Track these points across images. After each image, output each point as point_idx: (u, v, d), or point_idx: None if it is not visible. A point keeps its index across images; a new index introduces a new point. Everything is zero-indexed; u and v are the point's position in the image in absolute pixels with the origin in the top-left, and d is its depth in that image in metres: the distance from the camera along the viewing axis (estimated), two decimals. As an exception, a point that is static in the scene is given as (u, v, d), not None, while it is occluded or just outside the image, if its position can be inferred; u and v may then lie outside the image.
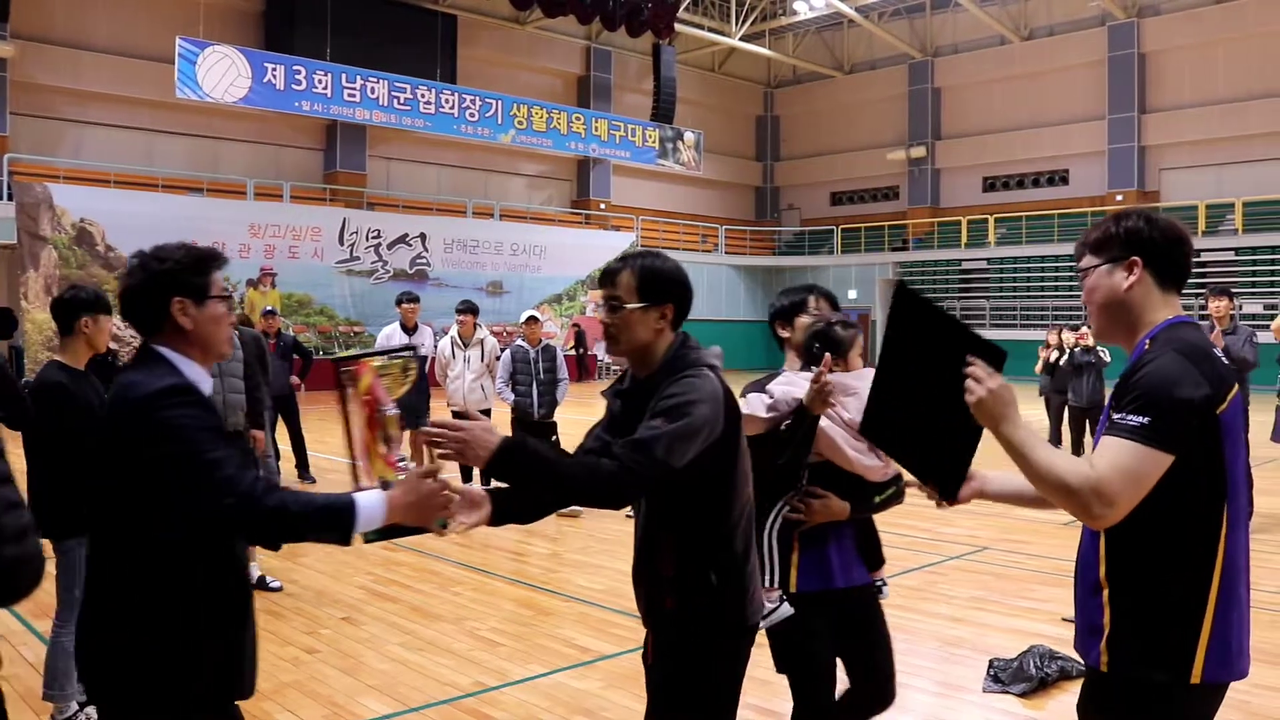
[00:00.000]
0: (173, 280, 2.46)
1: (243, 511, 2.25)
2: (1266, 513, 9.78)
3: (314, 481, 10.87)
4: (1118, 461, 2.11)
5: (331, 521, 2.31)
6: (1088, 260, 2.40)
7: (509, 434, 2.59)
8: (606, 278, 2.82)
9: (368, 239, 26.04)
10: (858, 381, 3.39)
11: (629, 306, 2.74)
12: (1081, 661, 2.40)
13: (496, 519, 2.77)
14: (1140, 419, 2.12)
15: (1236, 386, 2.21)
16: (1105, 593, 2.27)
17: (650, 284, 2.75)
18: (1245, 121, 29.90)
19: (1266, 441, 10.72)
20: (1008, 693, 4.86)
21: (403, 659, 5.42)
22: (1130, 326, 2.34)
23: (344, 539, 2.33)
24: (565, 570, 7.56)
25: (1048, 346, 13.07)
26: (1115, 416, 2.17)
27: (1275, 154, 29.56)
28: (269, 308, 10.92)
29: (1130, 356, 2.31)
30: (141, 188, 23.80)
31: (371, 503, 2.34)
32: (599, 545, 8.35)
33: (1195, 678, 2.19)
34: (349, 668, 5.28)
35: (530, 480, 2.55)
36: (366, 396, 2.59)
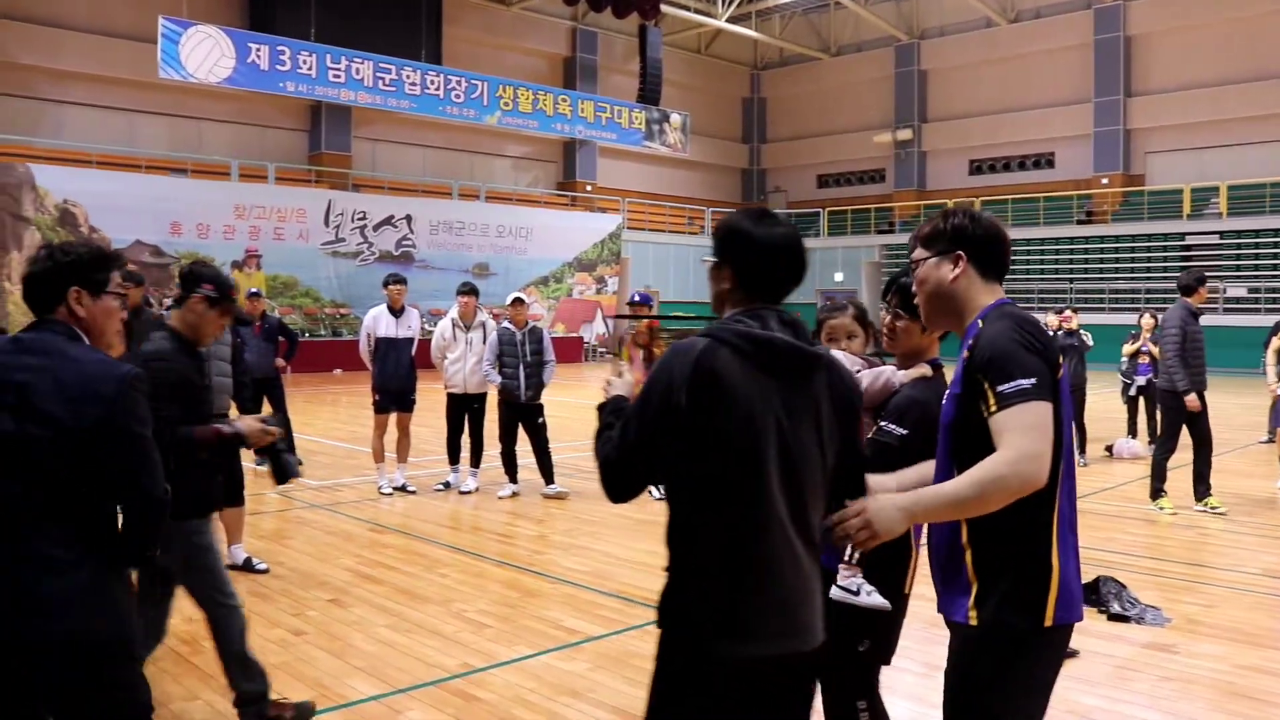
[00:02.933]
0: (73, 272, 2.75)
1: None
2: (1246, 495, 9.86)
3: (301, 463, 10.84)
4: (1023, 425, 2.34)
5: None
6: (919, 253, 2.68)
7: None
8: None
9: (353, 221, 25.94)
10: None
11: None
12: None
13: None
14: (1018, 383, 2.37)
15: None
16: (969, 554, 2.51)
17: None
18: (1228, 105, 30.00)
19: (1239, 426, 10.82)
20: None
21: (390, 640, 5.42)
22: (957, 313, 2.63)
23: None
24: (552, 552, 7.57)
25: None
26: (1001, 389, 2.37)
27: (1258, 137, 29.68)
28: (254, 289, 10.85)
29: (964, 340, 2.57)
30: (123, 168, 23.64)
31: None
32: (586, 527, 8.36)
33: (1048, 621, 2.44)
34: (336, 649, 5.28)
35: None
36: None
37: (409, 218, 26.99)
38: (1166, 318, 9.15)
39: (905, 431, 3.13)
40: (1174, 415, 9.00)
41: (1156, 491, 9.05)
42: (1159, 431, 9.20)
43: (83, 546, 2.58)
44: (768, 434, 2.31)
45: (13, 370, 2.59)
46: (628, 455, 2.34)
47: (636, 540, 7.87)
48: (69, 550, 2.56)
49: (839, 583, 3.08)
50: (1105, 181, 32.06)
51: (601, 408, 2.50)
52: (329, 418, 16.05)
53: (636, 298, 10.45)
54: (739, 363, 2.30)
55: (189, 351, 4.07)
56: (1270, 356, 10.19)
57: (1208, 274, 9.61)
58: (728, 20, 33.73)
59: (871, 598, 3.09)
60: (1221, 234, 28.28)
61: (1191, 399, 8.82)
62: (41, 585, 2.52)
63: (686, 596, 2.35)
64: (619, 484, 2.40)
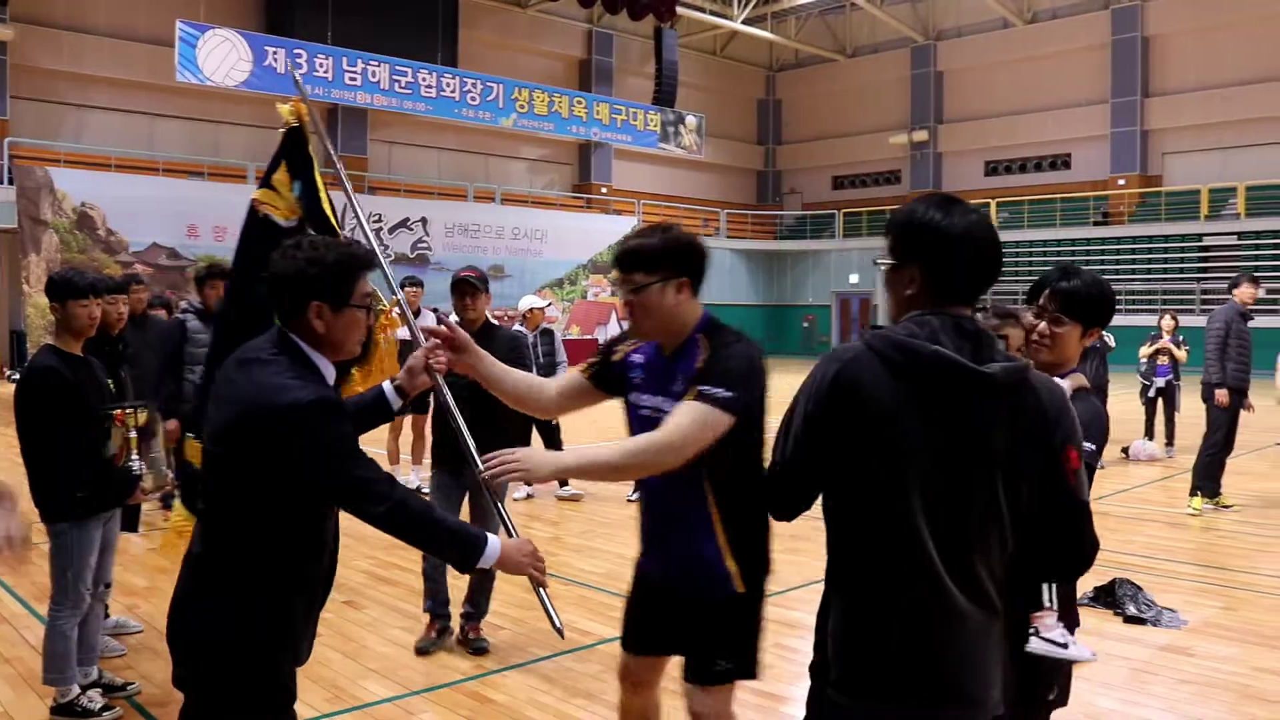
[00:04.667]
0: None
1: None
2: (1265, 497, 9.80)
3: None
4: (698, 419, 2.65)
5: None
6: (641, 277, 2.83)
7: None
8: None
9: (369, 223, 25.99)
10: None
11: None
12: None
13: None
14: (727, 392, 2.67)
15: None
16: (721, 530, 2.82)
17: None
18: (1248, 105, 29.79)
19: (1259, 428, 10.72)
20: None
21: (404, 643, 5.44)
22: (678, 331, 2.87)
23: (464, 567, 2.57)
24: (565, 554, 7.57)
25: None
26: (701, 389, 2.67)
27: (1278, 138, 29.46)
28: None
29: (685, 348, 2.85)
30: (142, 171, 23.77)
31: (494, 544, 2.56)
32: (600, 529, 8.36)
33: (769, 585, 2.93)
34: (351, 651, 5.30)
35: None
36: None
37: (424, 220, 27.03)
38: (1214, 315, 9.18)
39: (1093, 447, 2.76)
40: (1216, 411, 8.98)
41: (1210, 490, 9.03)
42: (1206, 429, 9.15)
43: None
44: (913, 463, 2.01)
45: None
46: (781, 472, 2.21)
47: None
48: None
49: (1042, 634, 2.79)
50: (1122, 182, 31.87)
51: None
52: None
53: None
54: (890, 378, 2.01)
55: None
56: None
57: (1231, 274, 9.64)
58: (743, 22, 33.69)
59: (1079, 650, 2.84)
60: (1240, 235, 28.08)
61: (1220, 393, 8.82)
62: None
63: (824, 633, 2.16)
64: (777, 504, 2.31)
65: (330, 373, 2.60)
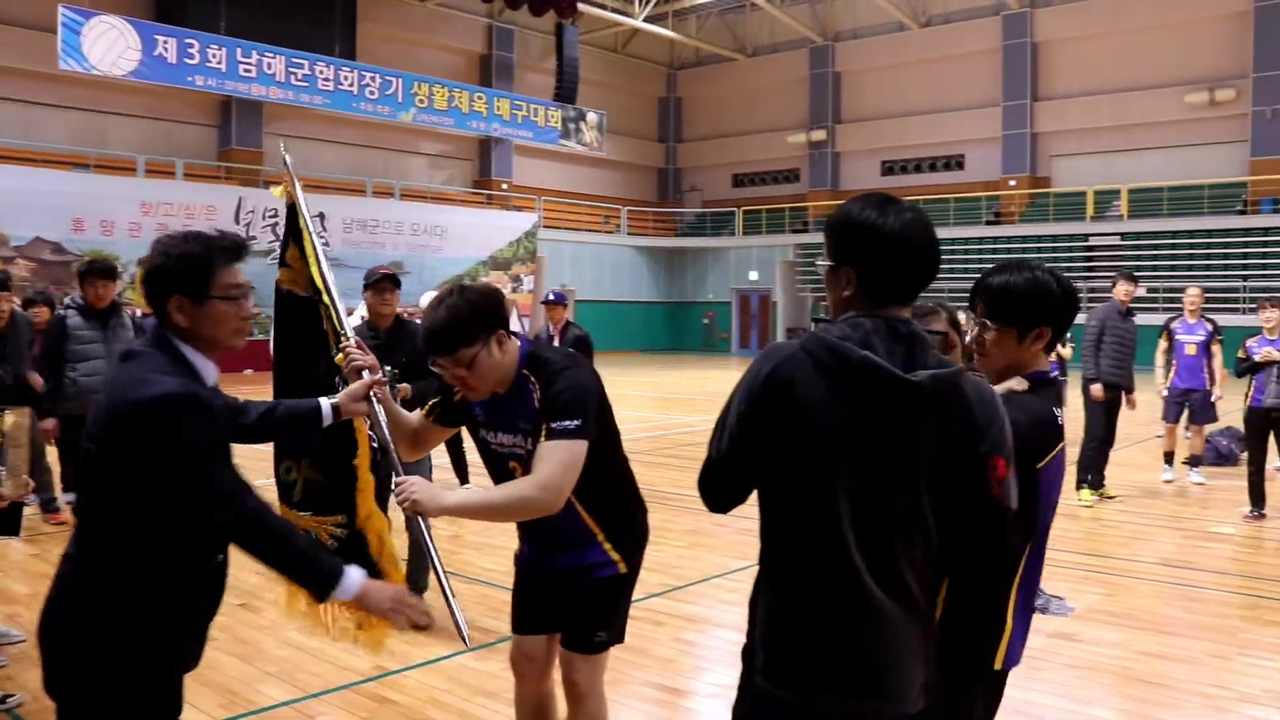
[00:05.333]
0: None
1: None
2: (1146, 488, 10.15)
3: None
4: (563, 459, 2.91)
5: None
6: (466, 353, 2.98)
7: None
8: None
9: (264, 218, 25.44)
10: None
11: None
12: None
13: None
14: (574, 422, 2.93)
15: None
16: (593, 523, 3.20)
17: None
18: (1130, 111, 30.93)
19: (1141, 421, 11.12)
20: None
21: (302, 645, 5.34)
22: (509, 375, 3.07)
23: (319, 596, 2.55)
24: (466, 552, 7.52)
25: None
26: (551, 426, 2.92)
27: (1157, 143, 30.64)
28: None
29: (518, 385, 3.07)
30: (22, 162, 22.86)
31: (352, 579, 2.49)
32: (500, 527, 8.30)
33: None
34: (246, 654, 5.19)
35: None
36: None
37: (322, 215, 26.53)
38: (1093, 313, 9.48)
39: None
40: (1093, 405, 9.27)
41: (1095, 483, 9.32)
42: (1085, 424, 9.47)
43: None
44: (841, 465, 2.02)
45: None
46: (714, 466, 2.17)
47: (553, 539, 7.83)
48: None
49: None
50: (1013, 183, 32.79)
51: None
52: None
53: (551, 296, 10.20)
54: (822, 380, 2.00)
55: None
56: (1159, 358, 10.54)
57: (1109, 275, 9.99)
58: (644, 20, 33.80)
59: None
60: (1123, 235, 29.09)
61: (1095, 388, 9.12)
62: None
63: (752, 632, 2.18)
64: (714, 496, 2.22)
65: (209, 370, 2.49)
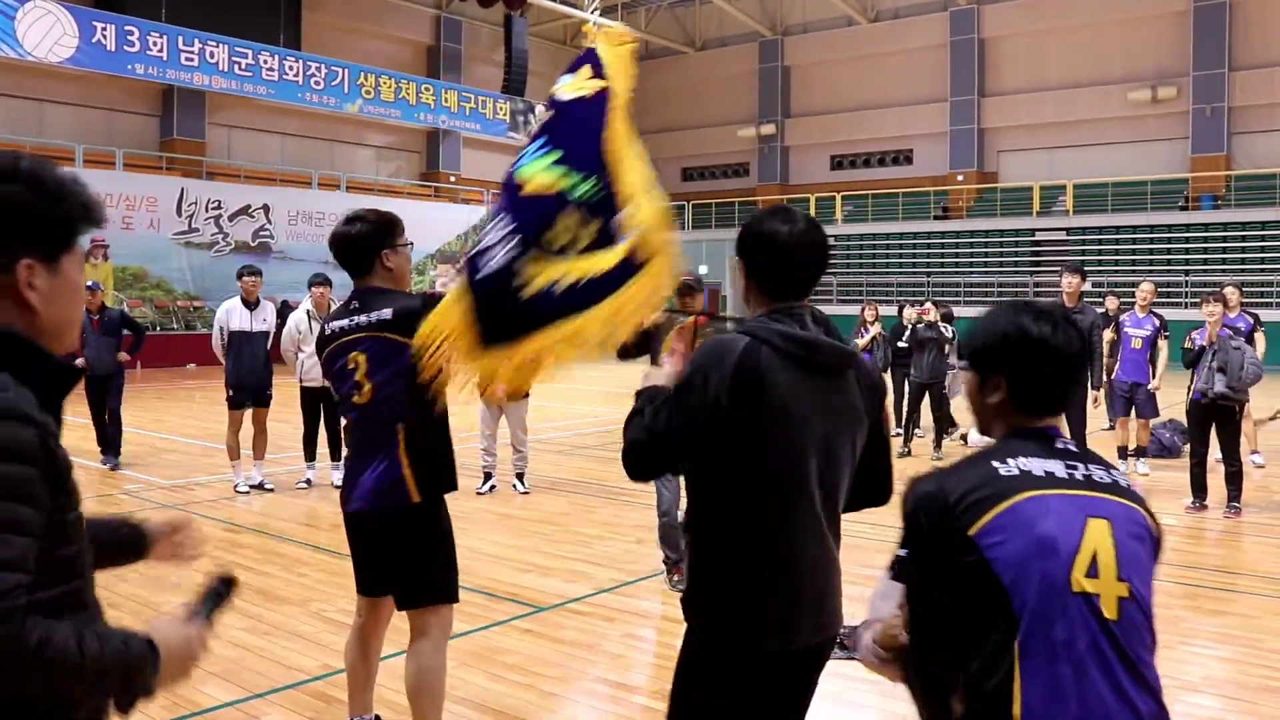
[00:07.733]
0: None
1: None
2: None
3: (117, 465, 10.50)
4: None
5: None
6: None
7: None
8: None
9: (207, 210, 25.07)
10: None
11: None
12: None
13: None
14: None
15: None
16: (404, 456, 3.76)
17: None
18: (1074, 108, 31.34)
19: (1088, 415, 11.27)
20: (852, 659, 4.98)
21: (246, 644, 5.25)
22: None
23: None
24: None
25: (865, 325, 12.86)
26: None
27: (1101, 139, 31.09)
28: (91, 282, 10.35)
29: None
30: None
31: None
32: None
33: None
34: (188, 654, 5.08)
35: None
36: None
37: (266, 207, 26.22)
38: None
39: None
40: None
41: None
42: None
43: None
44: (808, 434, 2.35)
45: None
46: (655, 441, 2.37)
47: (499, 535, 7.80)
48: None
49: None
50: (960, 178, 33.12)
51: (639, 394, 2.51)
52: (182, 414, 15.47)
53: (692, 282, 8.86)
54: (780, 362, 2.32)
55: None
56: (1104, 347, 10.64)
57: (1055, 269, 10.05)
58: (594, 12, 33.69)
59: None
60: (1069, 230, 29.49)
61: None
62: None
63: (720, 598, 2.39)
64: (642, 467, 2.45)
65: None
